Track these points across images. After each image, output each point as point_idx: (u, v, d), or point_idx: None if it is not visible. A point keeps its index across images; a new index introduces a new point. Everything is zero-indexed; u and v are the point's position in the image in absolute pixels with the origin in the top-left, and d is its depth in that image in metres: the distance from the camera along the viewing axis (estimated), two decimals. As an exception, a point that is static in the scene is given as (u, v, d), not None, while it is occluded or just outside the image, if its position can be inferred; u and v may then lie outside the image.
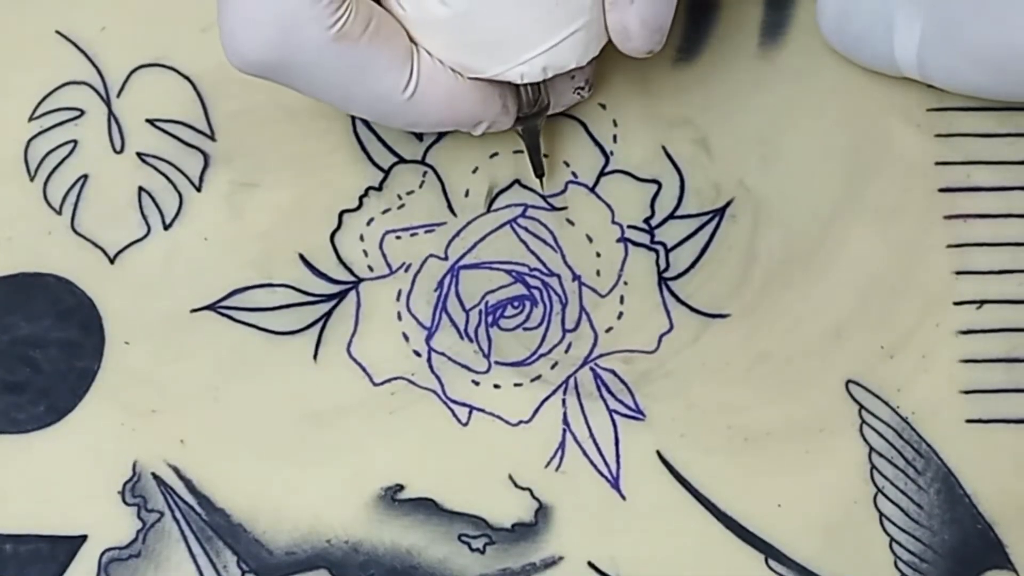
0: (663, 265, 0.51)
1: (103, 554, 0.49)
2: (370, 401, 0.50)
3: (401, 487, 0.49)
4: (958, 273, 0.50)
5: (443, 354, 0.50)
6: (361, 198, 0.51)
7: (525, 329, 0.50)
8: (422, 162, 0.52)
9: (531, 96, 0.48)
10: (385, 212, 0.51)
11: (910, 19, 0.48)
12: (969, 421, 0.49)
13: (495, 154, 0.52)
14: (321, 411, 0.50)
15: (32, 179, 0.52)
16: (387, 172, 0.52)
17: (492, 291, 0.51)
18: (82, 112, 0.52)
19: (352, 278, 0.51)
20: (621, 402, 0.50)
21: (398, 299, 0.51)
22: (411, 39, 0.46)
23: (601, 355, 0.50)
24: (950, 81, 0.49)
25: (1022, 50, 0.46)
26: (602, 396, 0.50)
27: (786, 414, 0.49)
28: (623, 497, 0.49)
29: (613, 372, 0.50)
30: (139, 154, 0.52)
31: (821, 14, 0.50)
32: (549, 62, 0.46)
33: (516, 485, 0.49)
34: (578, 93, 0.49)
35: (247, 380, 0.50)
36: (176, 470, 0.49)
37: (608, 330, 0.50)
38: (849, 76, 0.51)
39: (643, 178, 0.51)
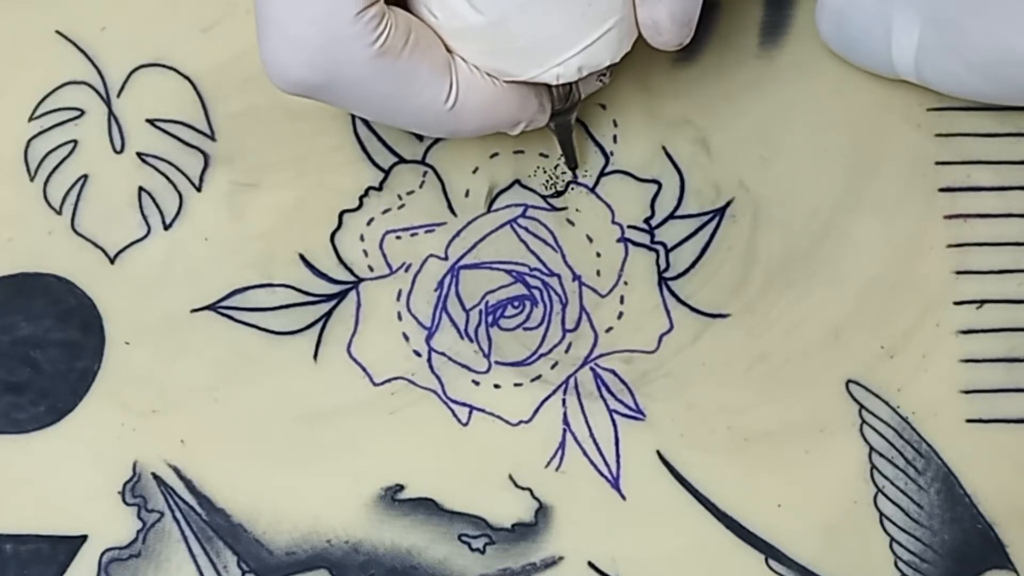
0: (663, 265, 0.51)
1: (103, 554, 0.49)
2: (370, 401, 0.50)
3: (401, 487, 0.49)
4: (958, 273, 0.50)
5: (443, 354, 0.50)
6: (361, 198, 0.51)
7: (525, 329, 0.50)
8: (422, 162, 0.52)
9: (563, 92, 0.48)
10: (385, 212, 0.51)
11: (908, 24, 0.48)
12: (969, 421, 0.49)
13: (495, 154, 0.52)
14: (321, 411, 0.50)
15: (32, 179, 0.52)
16: (387, 172, 0.52)
17: (492, 291, 0.51)
18: (82, 112, 0.52)
19: (352, 278, 0.51)
20: (621, 402, 0.50)
21: (398, 299, 0.51)
22: (447, 48, 0.46)
23: (601, 355, 0.50)
24: (947, 85, 0.49)
25: (1019, 55, 0.46)
26: (602, 396, 0.50)
27: (786, 414, 0.50)
28: (623, 497, 0.49)
29: (613, 372, 0.50)
30: (139, 154, 0.52)
31: (819, 16, 0.51)
32: (584, 62, 0.46)
33: (516, 485, 0.49)
34: (600, 81, 0.49)
35: (247, 380, 0.50)
36: (176, 470, 0.50)
37: (608, 330, 0.50)
38: (849, 76, 0.51)
39: (643, 178, 0.51)
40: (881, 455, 0.49)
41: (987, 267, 0.50)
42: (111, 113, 0.52)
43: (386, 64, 0.44)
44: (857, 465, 0.49)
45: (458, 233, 0.51)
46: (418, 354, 0.50)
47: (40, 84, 0.52)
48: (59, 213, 0.51)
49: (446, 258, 0.51)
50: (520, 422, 0.50)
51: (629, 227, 0.51)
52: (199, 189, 0.52)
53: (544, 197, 0.51)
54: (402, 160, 0.52)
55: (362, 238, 0.51)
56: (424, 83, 0.45)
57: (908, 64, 0.49)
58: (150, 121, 0.52)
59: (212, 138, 0.52)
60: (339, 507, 0.49)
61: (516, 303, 0.51)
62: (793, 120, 0.52)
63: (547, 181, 0.51)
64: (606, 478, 0.49)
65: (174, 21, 0.53)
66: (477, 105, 0.46)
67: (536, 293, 0.51)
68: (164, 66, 0.52)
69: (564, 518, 0.49)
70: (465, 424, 0.50)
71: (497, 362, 0.50)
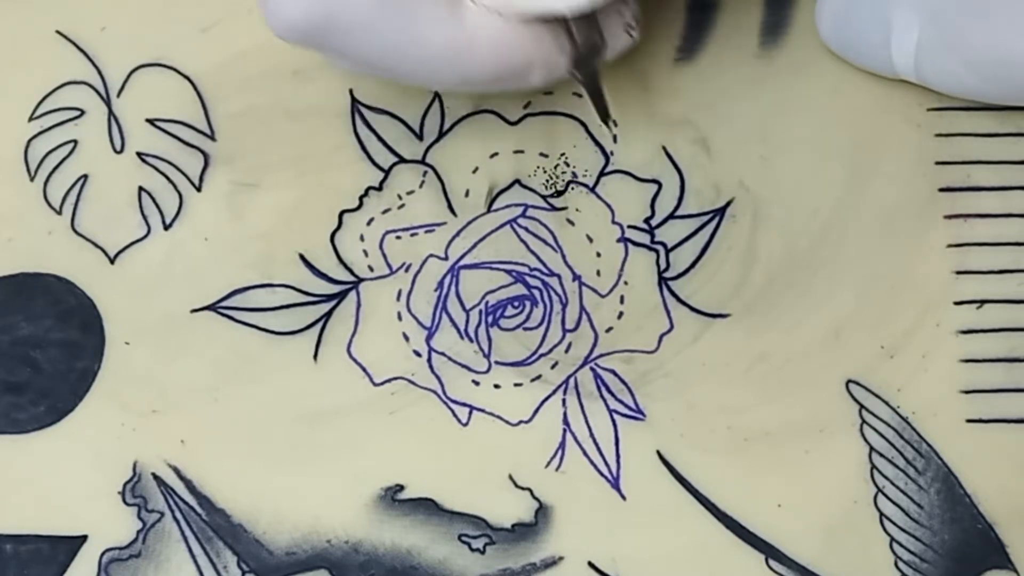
0: (663, 265, 0.51)
1: (103, 554, 0.49)
2: (370, 401, 0.50)
3: (401, 487, 0.49)
4: (958, 273, 0.50)
5: (443, 354, 0.50)
6: (361, 198, 0.51)
7: (525, 329, 0.50)
8: (422, 162, 0.52)
9: (584, 35, 0.46)
10: (385, 212, 0.51)
11: (907, 24, 0.48)
12: (969, 421, 0.49)
13: (495, 154, 0.52)
14: (321, 411, 0.50)
15: (32, 179, 0.52)
16: (387, 172, 0.52)
17: (492, 291, 0.51)
18: (82, 112, 0.52)
19: (352, 278, 0.51)
20: (621, 402, 0.50)
21: (398, 299, 0.51)
22: None
23: (601, 355, 0.50)
24: (947, 86, 0.49)
25: (1019, 55, 0.46)
26: (602, 396, 0.50)
27: (786, 414, 0.49)
28: (623, 497, 0.49)
29: (613, 372, 0.50)
30: (139, 154, 0.52)
31: (819, 15, 0.50)
32: None
33: (516, 485, 0.49)
34: (628, 33, 0.47)
35: (247, 380, 0.50)
36: (176, 470, 0.50)
37: (608, 330, 0.50)
38: (849, 76, 0.51)
39: (643, 178, 0.51)
40: (881, 455, 0.49)
41: (987, 267, 0.50)
42: (111, 113, 0.52)
43: (388, 1, 0.43)
44: (857, 465, 0.49)
45: (458, 233, 0.51)
46: (418, 354, 0.50)
47: (40, 84, 0.52)
48: (59, 213, 0.51)
49: (446, 258, 0.51)
50: (520, 422, 0.50)
51: (629, 227, 0.51)
52: (199, 189, 0.52)
53: (544, 197, 0.51)
54: (402, 160, 0.52)
55: (362, 238, 0.51)
56: (428, 19, 0.43)
57: (908, 64, 0.49)
58: (150, 121, 0.52)
59: (212, 138, 0.52)
60: (339, 507, 0.49)
61: (516, 303, 0.51)
62: (793, 120, 0.52)
63: (547, 181, 0.51)
64: (606, 478, 0.49)
65: (174, 21, 0.53)
66: (487, 43, 0.44)
67: (536, 293, 0.51)
68: (164, 66, 0.52)
69: (564, 518, 0.49)
70: (465, 424, 0.50)
71: (497, 362, 0.50)
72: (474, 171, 0.52)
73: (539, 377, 0.50)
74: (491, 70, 0.45)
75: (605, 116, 0.50)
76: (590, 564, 0.49)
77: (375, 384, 0.50)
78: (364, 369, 0.50)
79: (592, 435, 0.50)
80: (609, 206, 0.51)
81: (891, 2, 0.48)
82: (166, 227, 0.51)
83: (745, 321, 0.50)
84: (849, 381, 0.50)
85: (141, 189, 0.52)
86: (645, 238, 0.51)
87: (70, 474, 0.49)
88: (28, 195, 0.52)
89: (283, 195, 0.51)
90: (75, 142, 0.52)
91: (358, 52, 0.44)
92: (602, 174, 0.51)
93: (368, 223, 0.51)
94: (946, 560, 0.49)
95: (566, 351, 0.50)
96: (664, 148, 0.52)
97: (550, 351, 0.50)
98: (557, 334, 0.50)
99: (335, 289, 0.51)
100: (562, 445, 0.49)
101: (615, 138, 0.52)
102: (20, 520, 0.49)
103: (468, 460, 0.49)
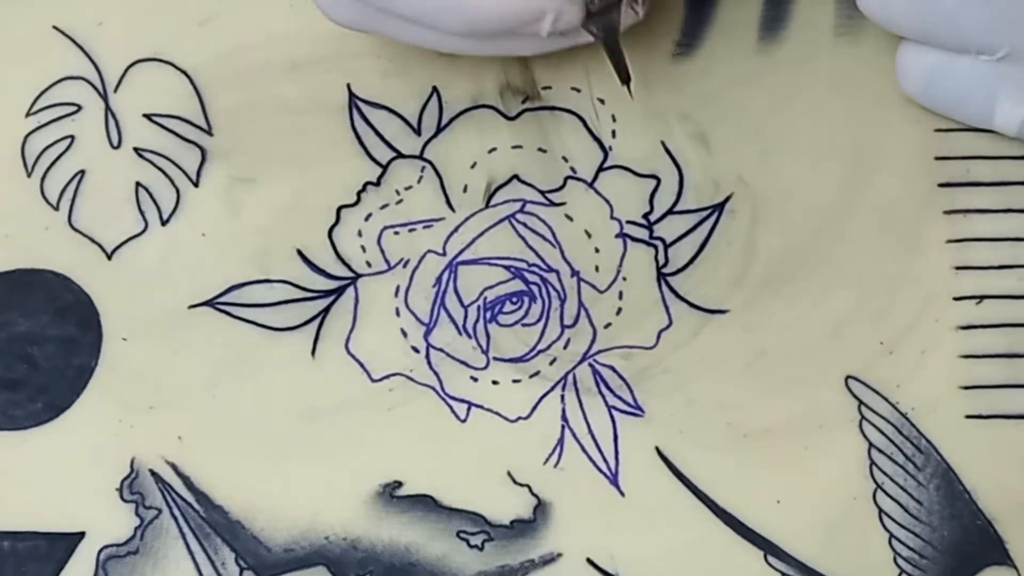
0: (662, 261, 0.51)
1: (101, 551, 0.49)
2: (368, 397, 0.50)
3: (399, 484, 0.49)
4: (958, 268, 0.50)
5: (441, 350, 0.50)
6: (359, 193, 0.51)
7: (524, 325, 0.50)
8: (420, 157, 0.51)
9: None
10: (383, 208, 0.51)
11: (1015, 101, 0.47)
12: (969, 417, 0.49)
13: (493, 149, 0.51)
14: (319, 408, 0.50)
15: (29, 175, 0.52)
16: (385, 167, 0.51)
17: (491, 287, 0.51)
18: (79, 107, 0.52)
19: (350, 274, 0.51)
20: (620, 398, 0.50)
21: (396, 295, 0.51)
22: None
23: (600, 351, 0.50)
24: None
25: None
26: (601, 392, 0.50)
27: (785, 410, 0.49)
28: (622, 494, 0.49)
29: (612, 368, 0.50)
30: (136, 149, 0.52)
31: (903, 70, 0.49)
32: None
33: (515, 482, 0.49)
34: (632, 7, 0.45)
35: (245, 376, 0.50)
36: (174, 467, 0.49)
37: (607, 326, 0.50)
38: (848, 71, 0.51)
39: (642, 173, 0.51)
40: (880, 451, 0.49)
41: (987, 263, 0.50)
42: (108, 108, 0.52)
43: None
44: (856, 461, 0.49)
45: (456, 228, 0.51)
46: (416, 350, 0.50)
47: (37, 79, 0.52)
48: (56, 209, 0.51)
49: (444, 254, 0.51)
50: (518, 418, 0.50)
51: (628, 222, 0.51)
52: (196, 184, 0.51)
53: (543, 192, 0.51)
54: (400, 155, 0.51)
55: (360, 234, 0.51)
56: None
57: (1011, 129, 0.48)
58: (147, 116, 0.52)
59: (209, 133, 0.52)
60: (337, 504, 0.49)
61: (514, 299, 0.50)
62: (792, 115, 0.51)
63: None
64: (605, 475, 0.49)
65: (172, 15, 0.53)
66: None
67: (534, 289, 0.50)
68: (162, 61, 0.52)
69: (563, 515, 0.49)
70: (463, 420, 0.50)
71: (495, 358, 0.50)
72: (472, 166, 0.51)
73: (537, 373, 0.50)
74: (498, 15, 0.43)
75: (625, 77, 0.48)
76: (589, 561, 0.49)
77: (373, 380, 0.50)
78: (362, 365, 0.50)
79: (591, 431, 0.49)
80: (608, 201, 0.51)
81: (1000, 76, 0.47)
82: (163, 223, 0.51)
83: (744, 317, 0.50)
84: (848, 377, 0.50)
85: (138, 184, 0.51)
86: (644, 233, 0.51)
87: (67, 471, 0.49)
88: (25, 191, 0.52)
89: (281, 190, 0.51)
90: (72, 137, 0.52)
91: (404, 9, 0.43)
92: (601, 169, 0.51)
93: (366, 218, 0.51)
94: (945, 556, 0.49)
95: (564, 347, 0.50)
96: (663, 143, 0.51)
97: (549, 347, 0.50)
98: (556, 330, 0.50)
99: (333, 285, 0.51)
100: (560, 441, 0.49)
101: (614, 133, 0.51)
102: (17, 517, 0.49)
103: (466, 456, 0.49)
